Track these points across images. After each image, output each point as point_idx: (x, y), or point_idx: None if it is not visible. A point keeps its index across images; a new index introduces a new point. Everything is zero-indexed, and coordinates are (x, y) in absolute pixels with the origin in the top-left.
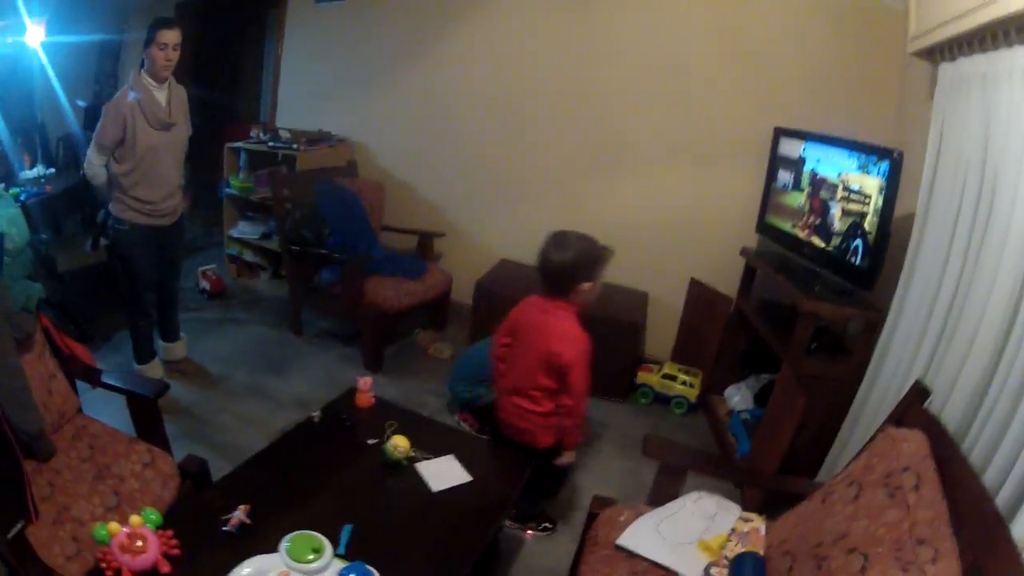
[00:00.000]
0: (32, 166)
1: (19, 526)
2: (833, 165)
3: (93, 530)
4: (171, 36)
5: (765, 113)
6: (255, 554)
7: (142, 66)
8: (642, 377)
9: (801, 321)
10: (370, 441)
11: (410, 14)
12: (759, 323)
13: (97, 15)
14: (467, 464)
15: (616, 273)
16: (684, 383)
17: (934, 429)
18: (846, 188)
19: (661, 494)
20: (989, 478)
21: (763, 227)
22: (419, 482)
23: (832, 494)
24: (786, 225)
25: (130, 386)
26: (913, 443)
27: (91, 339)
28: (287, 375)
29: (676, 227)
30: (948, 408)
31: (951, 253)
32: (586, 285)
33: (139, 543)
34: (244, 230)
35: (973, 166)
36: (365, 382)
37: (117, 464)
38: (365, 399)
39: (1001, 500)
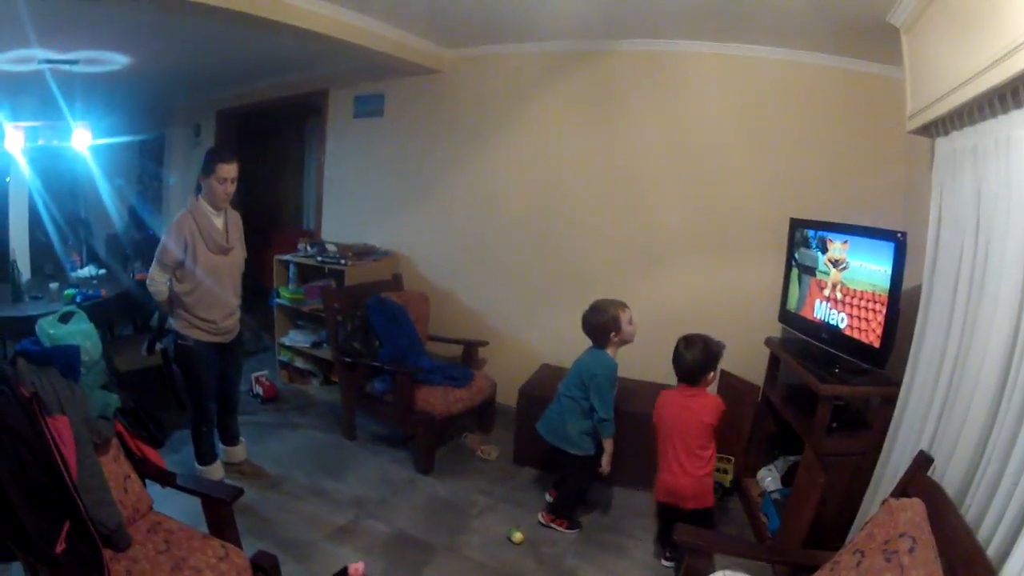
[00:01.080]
0: (82, 265)
1: None
2: (844, 251)
3: None
4: (230, 170)
5: (781, 204)
6: None
7: (199, 191)
8: None
9: (819, 405)
10: None
11: (445, 128)
12: (784, 408)
13: (140, 119)
14: None
15: (649, 369)
16: (718, 470)
17: (933, 495)
18: (857, 272)
19: (693, 575)
20: (983, 533)
21: (784, 316)
22: None
23: (839, 563)
24: (804, 312)
25: (206, 489)
26: (910, 511)
27: (161, 444)
28: (344, 477)
29: (704, 319)
30: (949, 473)
31: (952, 323)
32: (711, 375)
33: None
34: (295, 339)
35: (968, 237)
36: (356, 569)
37: (193, 557)
38: None
39: (992, 551)
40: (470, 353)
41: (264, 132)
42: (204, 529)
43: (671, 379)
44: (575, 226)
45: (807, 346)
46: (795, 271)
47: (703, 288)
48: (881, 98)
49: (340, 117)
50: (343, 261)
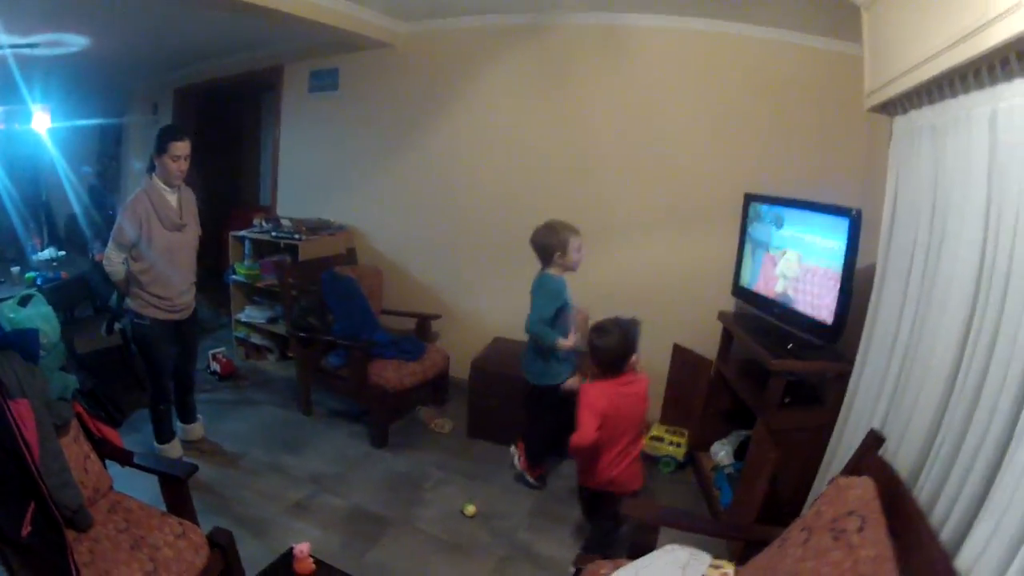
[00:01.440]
0: (43, 248)
1: None
2: (799, 226)
3: None
4: (183, 148)
5: (738, 180)
6: None
7: (152, 170)
8: None
9: (771, 379)
10: None
11: (399, 102)
12: (737, 383)
13: (99, 100)
14: None
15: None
16: (671, 443)
17: (884, 475)
18: (811, 248)
19: (638, 548)
20: (936, 516)
21: (738, 290)
22: None
23: (787, 540)
24: (757, 287)
25: (163, 467)
26: (859, 489)
27: (119, 424)
28: (301, 452)
29: (658, 294)
30: (901, 454)
31: (905, 303)
32: (634, 357)
33: None
34: (252, 314)
35: (923, 215)
36: (301, 549)
37: (151, 535)
38: (305, 566)
39: (945, 535)
40: (423, 326)
41: (221, 109)
42: (163, 507)
43: None
44: (527, 201)
45: (761, 321)
46: (749, 246)
47: (658, 263)
48: (842, 76)
49: (295, 92)
50: (297, 236)
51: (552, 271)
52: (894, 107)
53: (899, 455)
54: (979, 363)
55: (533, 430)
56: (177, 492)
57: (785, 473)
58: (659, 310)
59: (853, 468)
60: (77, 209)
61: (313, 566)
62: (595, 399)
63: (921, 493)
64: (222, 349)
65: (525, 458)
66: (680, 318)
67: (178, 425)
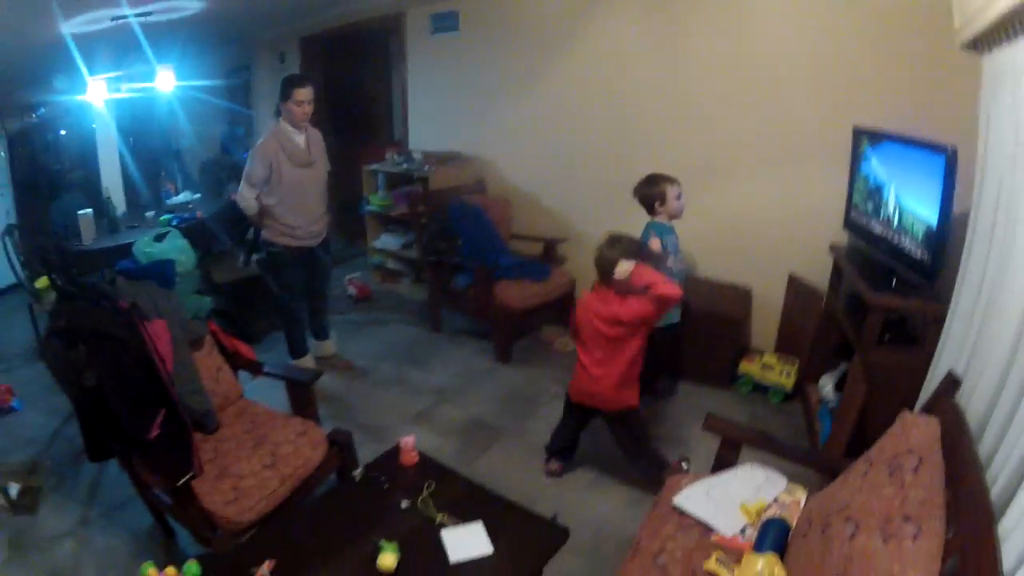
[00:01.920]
0: (177, 193)
1: (187, 477)
2: (902, 162)
3: (141, 568)
4: (305, 93)
5: (846, 112)
6: None
7: (279, 115)
8: (743, 367)
9: (869, 314)
10: (403, 504)
11: (520, 38)
12: (843, 316)
13: (225, 53)
14: (493, 534)
15: (719, 269)
16: (782, 372)
17: (951, 418)
18: (912, 184)
19: (720, 465)
20: (992, 472)
21: (849, 223)
22: (440, 550)
23: (851, 471)
24: (866, 221)
25: (289, 374)
26: (922, 428)
27: (251, 340)
28: (427, 367)
29: (773, 225)
30: (973, 401)
31: (992, 245)
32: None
33: None
34: (386, 242)
35: (1007, 159)
36: (407, 441)
37: (274, 434)
38: (409, 457)
39: (995, 494)
40: (549, 250)
41: (349, 54)
42: (289, 412)
43: (741, 279)
44: (643, 135)
45: (869, 256)
46: (859, 179)
47: (771, 196)
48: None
49: (419, 34)
50: (427, 168)
51: (658, 219)
52: (983, 44)
53: (971, 402)
54: None
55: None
56: (301, 396)
57: (879, 411)
58: (774, 241)
59: (927, 408)
60: (212, 155)
61: (416, 457)
62: (578, 304)
63: (982, 446)
64: (358, 274)
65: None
66: (795, 249)
67: (311, 342)
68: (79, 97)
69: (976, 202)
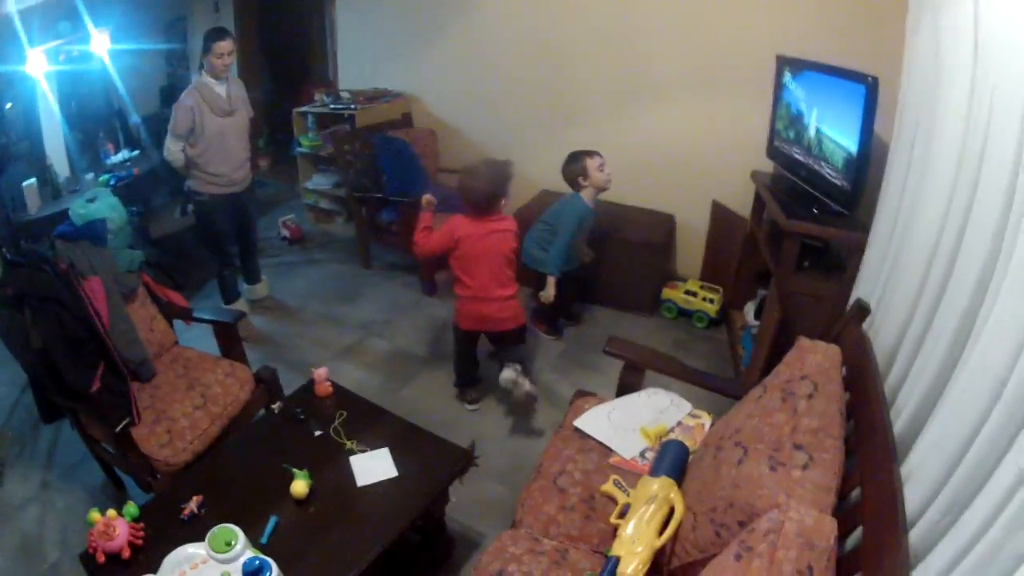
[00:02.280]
0: (116, 152)
1: (124, 423)
2: (824, 91)
3: (87, 515)
4: (225, 46)
5: (770, 39)
6: (193, 542)
7: (202, 68)
8: (667, 293)
9: (785, 240)
10: (317, 433)
11: None
12: (763, 243)
13: (159, 5)
14: (399, 459)
15: (644, 196)
16: (705, 299)
17: (856, 347)
18: (833, 113)
19: (624, 389)
20: (896, 408)
21: (772, 152)
22: (349, 475)
23: (749, 395)
24: (788, 149)
25: (214, 316)
26: (819, 355)
27: (183, 288)
28: (356, 303)
29: (697, 152)
30: (882, 332)
31: (908, 176)
32: (503, 201)
33: (112, 531)
34: (318, 182)
35: (926, 92)
36: (320, 373)
37: (205, 376)
38: (323, 389)
39: (899, 429)
40: None
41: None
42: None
43: (664, 206)
44: (571, 62)
45: (792, 184)
46: (782, 107)
47: (696, 123)
48: None
49: None
50: (353, 106)
51: (584, 195)
52: None
53: (880, 333)
54: (947, 247)
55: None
56: (228, 338)
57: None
58: (699, 168)
59: (833, 336)
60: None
61: (330, 389)
62: (456, 226)
63: (889, 379)
64: (291, 216)
65: (540, 322)
66: (719, 177)
67: (244, 287)
68: (20, 68)
69: (896, 132)
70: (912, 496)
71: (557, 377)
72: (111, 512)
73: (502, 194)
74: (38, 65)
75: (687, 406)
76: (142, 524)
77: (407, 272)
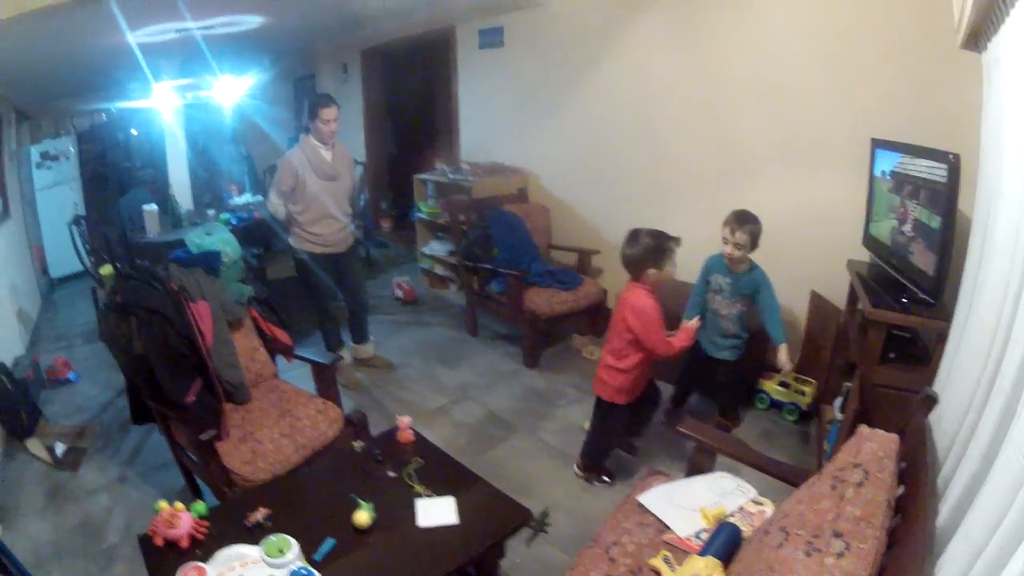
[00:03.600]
0: (240, 194)
1: (209, 433)
2: (911, 172)
3: (155, 505)
4: (331, 113)
5: (863, 121)
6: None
7: (307, 132)
8: (761, 383)
9: (870, 331)
10: (390, 474)
11: (559, 55)
12: (852, 334)
13: (291, 62)
14: (463, 508)
15: None
16: (797, 391)
17: (915, 438)
18: (919, 195)
19: (694, 470)
20: (946, 500)
21: (867, 239)
22: (411, 516)
23: (805, 483)
24: (879, 235)
25: (313, 357)
26: (875, 443)
27: (288, 328)
28: (457, 366)
29: (796, 240)
30: (944, 422)
31: (979, 259)
32: (651, 271)
33: (176, 520)
34: (435, 248)
35: (991, 163)
36: (403, 421)
37: (297, 409)
38: (405, 436)
39: (940, 525)
40: (583, 260)
41: (409, 66)
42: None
43: None
44: (671, 148)
45: (883, 272)
46: (876, 192)
47: (790, 205)
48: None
49: (468, 49)
50: (472, 178)
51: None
52: (979, 41)
53: (941, 423)
54: (1002, 334)
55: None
56: (324, 378)
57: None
58: (796, 256)
59: (901, 427)
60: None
61: (412, 437)
62: None
63: (942, 471)
64: (406, 278)
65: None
66: (817, 267)
67: (351, 345)
68: (147, 103)
69: (974, 215)
70: None
71: (639, 458)
72: (178, 504)
73: (650, 263)
74: (165, 99)
75: (752, 492)
76: (207, 522)
77: (510, 342)
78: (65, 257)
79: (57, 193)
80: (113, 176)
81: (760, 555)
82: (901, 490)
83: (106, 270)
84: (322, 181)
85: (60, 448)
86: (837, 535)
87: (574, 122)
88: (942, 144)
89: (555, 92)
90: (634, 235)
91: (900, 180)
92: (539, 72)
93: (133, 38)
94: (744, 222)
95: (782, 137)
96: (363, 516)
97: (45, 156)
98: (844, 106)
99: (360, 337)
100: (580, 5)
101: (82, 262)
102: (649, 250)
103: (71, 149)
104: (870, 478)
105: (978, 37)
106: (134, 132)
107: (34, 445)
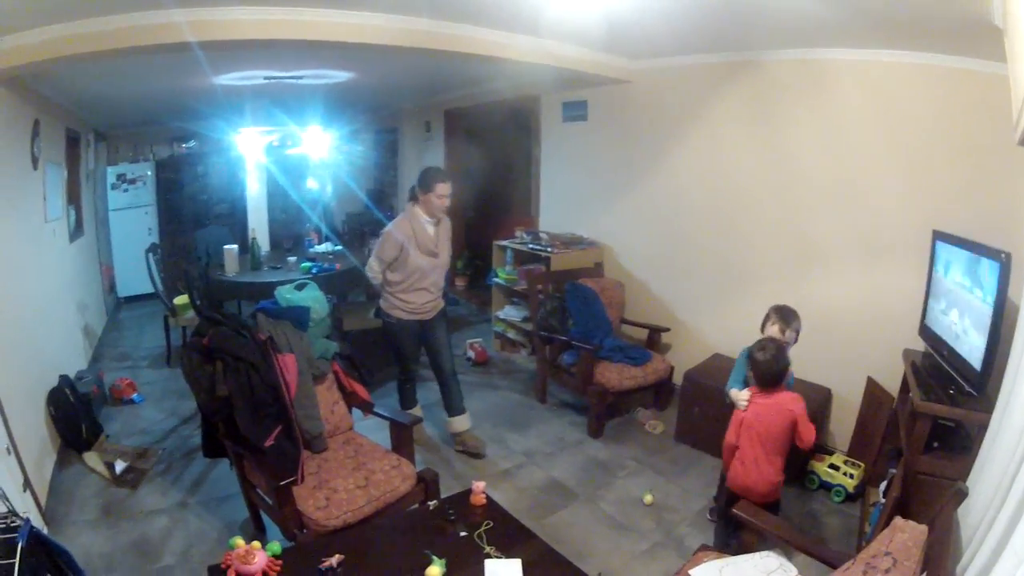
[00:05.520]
0: (320, 242)
1: (289, 480)
2: (965, 267)
3: (230, 540)
4: (446, 188)
5: (926, 213)
6: None
7: (415, 201)
8: (812, 464)
9: (917, 421)
10: (461, 533)
11: (637, 133)
12: (901, 421)
13: (375, 116)
14: (528, 571)
15: (807, 370)
16: (846, 474)
17: (942, 530)
18: (973, 290)
19: (744, 548)
20: None
21: (923, 330)
22: (479, 575)
23: (841, 567)
24: (934, 327)
25: (394, 416)
26: (906, 534)
27: (368, 385)
28: (524, 431)
29: (856, 326)
30: (971, 515)
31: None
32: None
33: (251, 558)
34: (509, 313)
35: None
36: (478, 485)
37: (372, 463)
38: (478, 499)
39: None
40: (653, 337)
41: (492, 130)
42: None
43: (823, 379)
44: (741, 227)
45: (935, 363)
46: (936, 282)
47: (853, 293)
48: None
49: (551, 119)
50: (550, 248)
51: None
52: None
53: (969, 516)
54: None
55: None
56: (401, 436)
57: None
58: (856, 342)
59: (933, 518)
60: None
61: (484, 500)
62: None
63: (963, 563)
64: (479, 340)
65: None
66: (875, 354)
67: (446, 418)
68: (234, 144)
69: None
70: None
71: (690, 531)
72: (255, 543)
73: (784, 373)
74: (251, 142)
75: (793, 572)
76: (280, 563)
77: (577, 412)
78: (133, 278)
79: (131, 215)
80: (189, 208)
81: None
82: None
83: (181, 300)
84: (424, 256)
85: (120, 466)
86: None
87: (651, 199)
88: (996, 238)
89: (634, 168)
90: (781, 350)
91: (957, 273)
92: (620, 148)
93: (220, 80)
94: (791, 319)
95: (850, 227)
96: (435, 571)
97: (121, 178)
98: (909, 200)
99: (454, 408)
100: (663, 84)
101: (155, 288)
102: (779, 358)
103: (149, 174)
104: (897, 565)
105: None
106: (212, 166)
107: (93, 459)
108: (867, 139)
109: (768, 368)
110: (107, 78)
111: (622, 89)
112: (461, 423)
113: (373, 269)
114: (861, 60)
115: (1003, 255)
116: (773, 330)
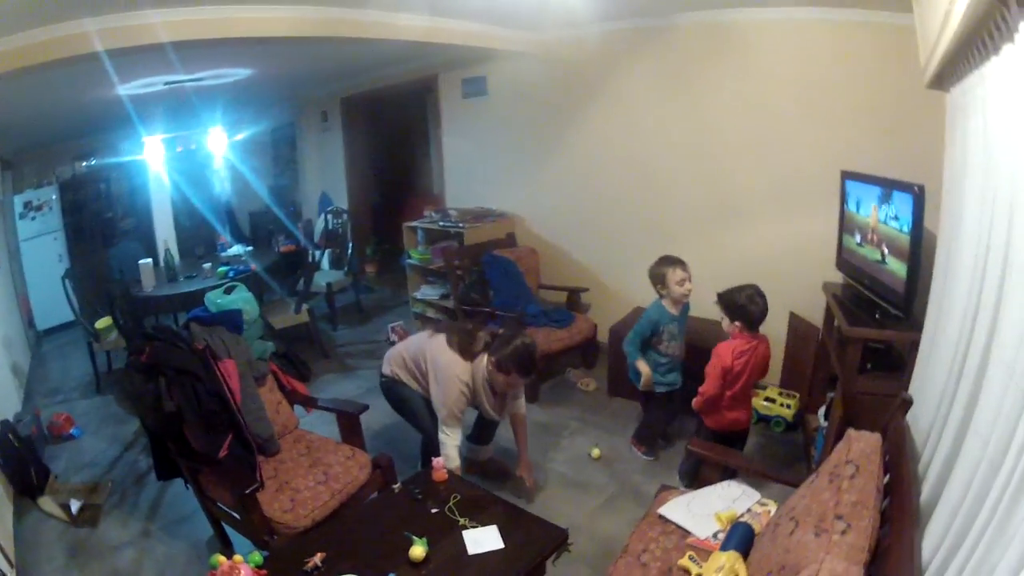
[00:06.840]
0: (230, 245)
1: (254, 487)
2: (879, 202)
3: (210, 559)
4: (521, 381)
5: (834, 157)
6: None
7: (487, 357)
8: None
9: (848, 346)
10: (433, 510)
11: (543, 104)
12: (833, 349)
13: (272, 111)
14: (505, 534)
15: None
16: (783, 405)
17: (895, 436)
18: (887, 222)
19: (704, 482)
20: (927, 484)
21: (840, 263)
22: (461, 546)
23: (805, 481)
24: (851, 259)
25: (339, 407)
26: (863, 442)
27: (306, 379)
28: None
29: (774, 266)
30: (920, 420)
31: (944, 273)
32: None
33: (237, 573)
34: (427, 292)
35: (954, 197)
36: (438, 462)
37: (327, 457)
38: (440, 475)
39: (924, 497)
40: (573, 298)
41: (390, 115)
42: (339, 440)
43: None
44: (660, 185)
45: (856, 292)
46: (847, 220)
47: (772, 237)
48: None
49: (451, 98)
50: (461, 224)
51: (664, 303)
52: (944, 83)
53: (918, 421)
54: (977, 344)
55: (650, 424)
56: (350, 426)
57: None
58: (776, 281)
59: (883, 428)
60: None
61: (446, 476)
62: (725, 356)
63: (922, 459)
64: (400, 323)
65: (639, 443)
66: (795, 288)
67: (466, 445)
68: (137, 157)
69: (939, 236)
70: (925, 553)
71: (645, 480)
72: (237, 557)
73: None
74: (155, 152)
75: (756, 495)
76: (265, 572)
77: None
78: (51, 309)
79: (41, 243)
80: (96, 227)
81: (776, 543)
82: (887, 478)
83: (103, 323)
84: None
85: (75, 505)
86: (839, 517)
87: (563, 167)
88: (914, 175)
89: (542, 138)
90: (763, 296)
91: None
92: (524, 119)
93: (123, 90)
94: (684, 262)
95: (766, 178)
96: (419, 550)
97: (28, 206)
98: (822, 148)
99: (485, 438)
100: (569, 54)
101: (75, 316)
102: (766, 305)
103: (53, 198)
104: (861, 470)
105: (943, 79)
106: (112, 183)
107: (47, 503)
108: (780, 95)
109: (763, 314)
110: (8, 99)
111: (524, 61)
112: (488, 450)
113: (446, 445)
114: (772, 19)
115: (916, 187)
116: (680, 276)
